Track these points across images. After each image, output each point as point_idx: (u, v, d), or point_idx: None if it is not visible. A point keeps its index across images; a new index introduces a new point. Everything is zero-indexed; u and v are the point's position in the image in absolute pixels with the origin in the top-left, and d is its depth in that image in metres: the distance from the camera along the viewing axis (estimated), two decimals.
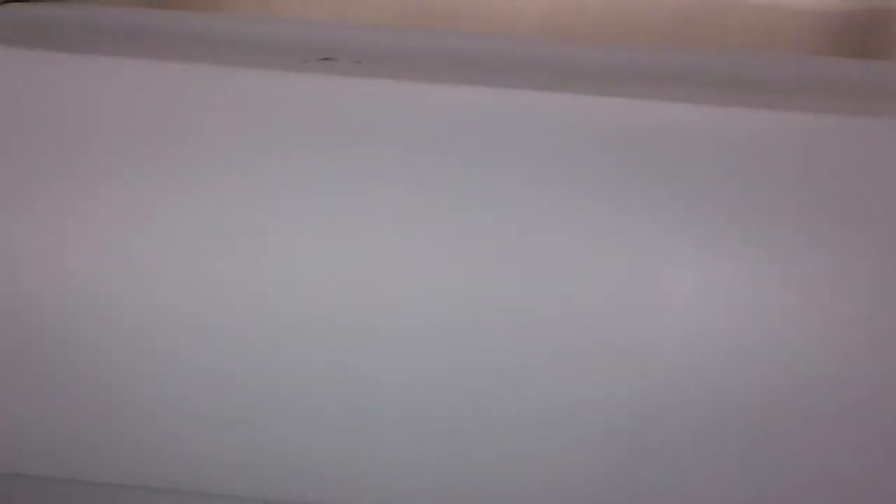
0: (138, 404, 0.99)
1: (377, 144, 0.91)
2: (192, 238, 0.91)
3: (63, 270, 0.93)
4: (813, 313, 0.89)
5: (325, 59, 0.98)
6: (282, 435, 0.98)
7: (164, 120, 0.93)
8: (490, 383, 0.92)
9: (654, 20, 1.13)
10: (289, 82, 0.94)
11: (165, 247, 0.92)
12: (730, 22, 1.15)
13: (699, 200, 0.88)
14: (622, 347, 0.89)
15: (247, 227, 0.91)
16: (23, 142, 0.93)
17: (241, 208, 0.91)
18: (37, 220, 0.93)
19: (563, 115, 0.92)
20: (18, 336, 0.96)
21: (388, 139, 0.91)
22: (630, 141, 0.90)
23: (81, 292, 0.94)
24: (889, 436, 0.91)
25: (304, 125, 0.92)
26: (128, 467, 1.03)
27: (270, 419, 0.97)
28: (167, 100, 0.94)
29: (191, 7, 1.12)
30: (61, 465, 1.05)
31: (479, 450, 0.95)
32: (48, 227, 0.93)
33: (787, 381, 0.90)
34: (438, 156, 0.90)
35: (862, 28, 1.24)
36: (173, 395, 0.98)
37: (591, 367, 0.90)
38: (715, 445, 0.92)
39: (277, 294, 0.91)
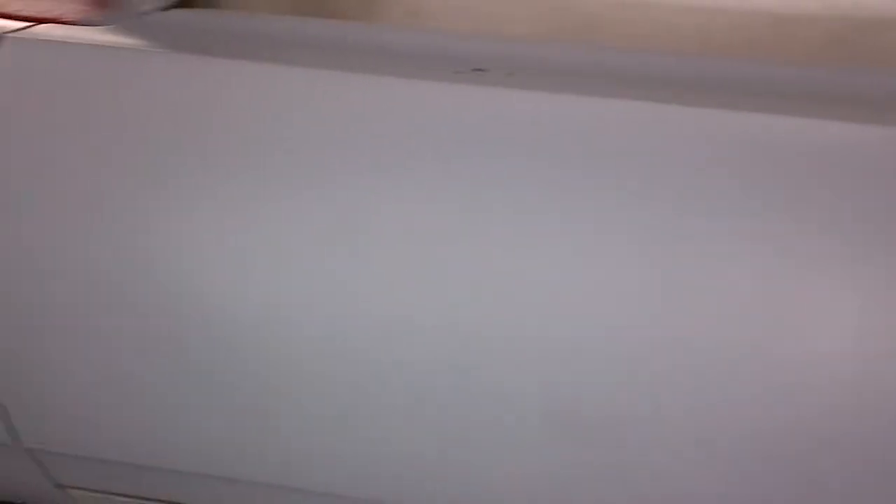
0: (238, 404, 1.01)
1: (527, 154, 0.90)
2: (335, 242, 0.92)
3: (185, 268, 0.96)
4: None
5: (478, 69, 0.97)
6: (389, 437, 1.00)
7: (316, 126, 0.93)
8: (637, 401, 0.90)
9: (808, 35, 1.10)
10: (440, 92, 0.94)
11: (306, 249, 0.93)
12: (886, 38, 1.11)
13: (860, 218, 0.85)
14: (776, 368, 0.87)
15: (391, 233, 0.91)
16: (172, 139, 0.96)
17: (390, 216, 0.91)
18: (173, 219, 0.96)
19: (713, 130, 0.90)
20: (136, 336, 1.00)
21: (538, 150, 0.90)
22: (796, 159, 0.87)
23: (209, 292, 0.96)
24: None
25: (455, 135, 0.91)
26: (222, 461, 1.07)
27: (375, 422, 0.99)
28: (320, 107, 0.94)
29: (343, 17, 1.13)
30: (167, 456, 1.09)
31: (610, 462, 0.94)
32: (181, 224, 0.96)
33: None
34: (590, 166, 0.89)
35: None
36: (281, 397, 1.00)
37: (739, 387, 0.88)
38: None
39: (441, 301, 0.92)
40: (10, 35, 1.01)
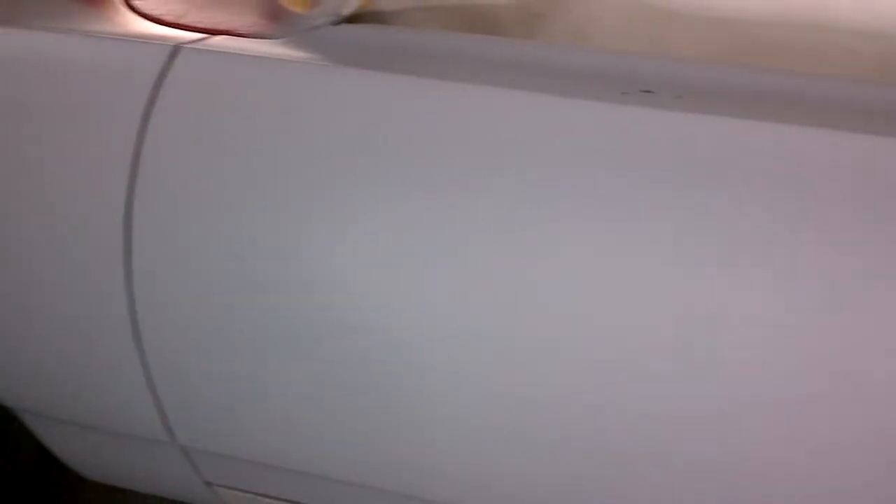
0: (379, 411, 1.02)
1: (695, 179, 0.88)
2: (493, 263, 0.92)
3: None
4: None
5: (645, 91, 0.96)
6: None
7: (476, 143, 0.93)
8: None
9: None
10: (605, 113, 0.93)
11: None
12: None
13: None
14: None
15: (544, 255, 0.91)
16: (336, 150, 0.97)
17: (546, 238, 0.91)
18: (325, 228, 0.97)
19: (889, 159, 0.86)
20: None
21: (706, 174, 0.88)
22: None
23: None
24: None
25: (620, 158, 0.90)
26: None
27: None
28: (481, 123, 0.94)
29: (505, 35, 1.13)
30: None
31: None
32: (334, 235, 0.96)
33: None
34: (761, 193, 0.86)
35: None
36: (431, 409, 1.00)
37: None
38: None
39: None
40: (186, 45, 1.05)
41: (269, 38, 1.08)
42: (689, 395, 0.89)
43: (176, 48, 1.05)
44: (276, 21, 1.14)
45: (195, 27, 1.11)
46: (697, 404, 0.89)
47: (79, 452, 1.38)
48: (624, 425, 0.92)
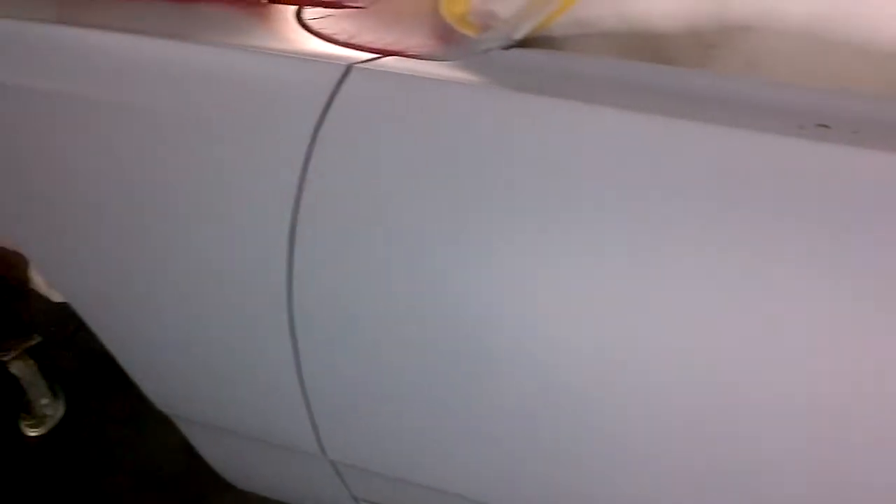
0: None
1: (871, 218, 0.85)
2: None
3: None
4: None
5: (822, 125, 0.92)
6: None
7: (645, 173, 0.91)
8: None
9: None
10: (781, 147, 0.90)
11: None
12: None
13: None
14: None
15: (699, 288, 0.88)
16: (499, 175, 0.96)
17: (721, 273, 0.88)
18: (475, 251, 0.96)
19: None
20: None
21: (883, 214, 0.84)
22: None
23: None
24: None
25: (795, 193, 0.87)
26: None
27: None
28: (652, 154, 0.92)
29: (677, 63, 1.11)
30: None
31: None
32: (482, 258, 0.96)
33: None
34: None
35: None
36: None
37: None
38: None
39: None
40: (358, 65, 1.07)
41: (440, 61, 1.09)
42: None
43: (348, 67, 1.06)
44: (447, 43, 1.15)
45: (367, 47, 1.13)
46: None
47: (230, 460, 1.41)
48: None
